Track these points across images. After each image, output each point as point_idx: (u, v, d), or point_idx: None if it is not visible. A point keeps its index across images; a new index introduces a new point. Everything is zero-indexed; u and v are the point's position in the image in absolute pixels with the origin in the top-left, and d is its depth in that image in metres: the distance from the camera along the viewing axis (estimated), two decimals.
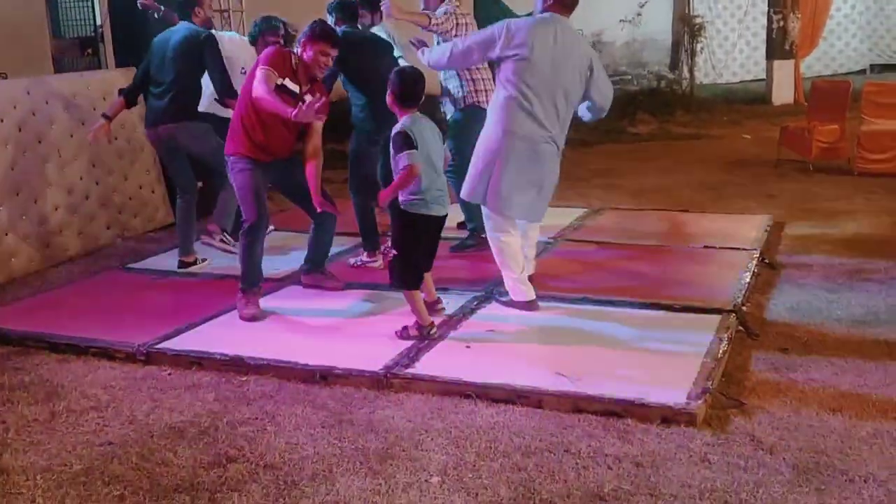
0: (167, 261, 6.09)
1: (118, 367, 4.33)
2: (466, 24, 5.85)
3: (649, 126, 12.04)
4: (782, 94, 13.88)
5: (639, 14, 13.66)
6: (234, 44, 6.23)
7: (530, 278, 4.96)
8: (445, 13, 5.75)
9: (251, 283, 4.94)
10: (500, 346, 4.38)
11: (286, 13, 6.29)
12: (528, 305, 4.82)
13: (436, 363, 4.11)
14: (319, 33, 4.78)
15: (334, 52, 4.83)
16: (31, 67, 8.39)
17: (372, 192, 5.55)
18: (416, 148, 4.26)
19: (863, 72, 16.94)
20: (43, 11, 10.30)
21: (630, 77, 14.78)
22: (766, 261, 5.71)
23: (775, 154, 9.21)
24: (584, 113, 5.01)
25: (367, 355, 4.19)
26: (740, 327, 4.52)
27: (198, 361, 4.28)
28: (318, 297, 5.21)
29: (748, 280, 5.18)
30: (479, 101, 5.80)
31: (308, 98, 4.70)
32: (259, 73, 4.66)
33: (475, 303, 4.96)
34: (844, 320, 4.67)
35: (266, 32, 5.94)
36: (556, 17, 4.66)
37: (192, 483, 3.20)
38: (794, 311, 4.83)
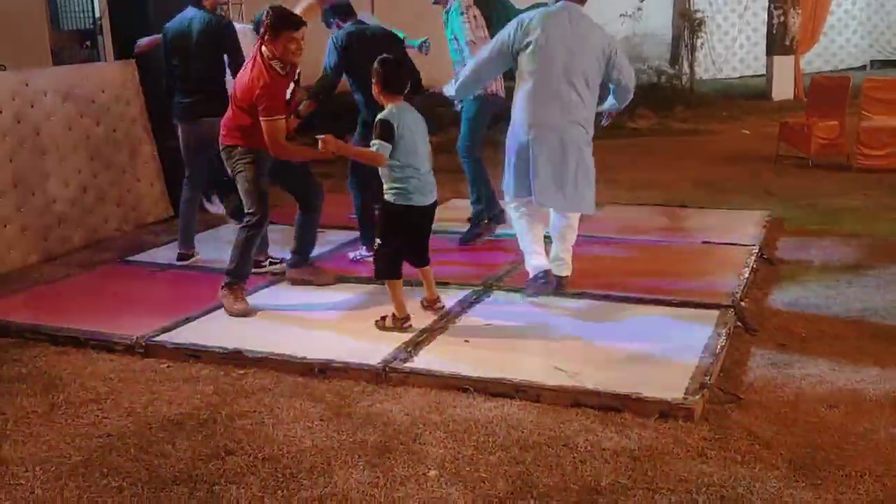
0: (166, 254, 6.10)
1: (117, 359, 4.34)
2: (475, 15, 5.99)
3: (649, 121, 12.04)
4: (782, 89, 13.87)
5: (639, 9, 13.63)
6: (243, 35, 6.18)
7: (562, 281, 4.96)
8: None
9: (241, 276, 4.91)
10: (498, 341, 4.39)
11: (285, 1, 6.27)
12: (546, 278, 4.89)
13: (434, 357, 4.12)
14: (275, 24, 4.62)
15: (300, 34, 4.67)
16: (29, 59, 8.39)
17: (372, 189, 5.57)
18: (392, 139, 4.31)
19: (863, 68, 16.94)
20: (42, 3, 10.28)
21: None
22: (765, 256, 5.72)
23: (775, 150, 9.21)
24: (611, 102, 5.06)
25: (366, 349, 4.20)
26: (738, 323, 4.53)
27: (196, 354, 4.29)
28: (317, 291, 5.21)
29: (747, 276, 5.19)
30: (491, 90, 5.89)
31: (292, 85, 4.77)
32: (265, 126, 4.63)
33: (474, 297, 4.97)
34: (842, 316, 4.68)
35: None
36: (568, 5, 4.74)
37: (191, 475, 3.20)
38: (793, 307, 4.84)
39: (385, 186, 4.46)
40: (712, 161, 9.38)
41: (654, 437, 3.38)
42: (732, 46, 16.69)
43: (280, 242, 5.69)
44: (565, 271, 5.00)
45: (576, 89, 4.67)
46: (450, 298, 4.89)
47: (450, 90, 5.44)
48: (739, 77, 16.43)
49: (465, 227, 6.25)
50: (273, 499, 3.05)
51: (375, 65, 4.43)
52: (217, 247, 6.05)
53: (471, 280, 5.27)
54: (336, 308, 4.91)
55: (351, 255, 5.85)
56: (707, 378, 3.77)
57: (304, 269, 5.30)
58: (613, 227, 6.54)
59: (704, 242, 6.06)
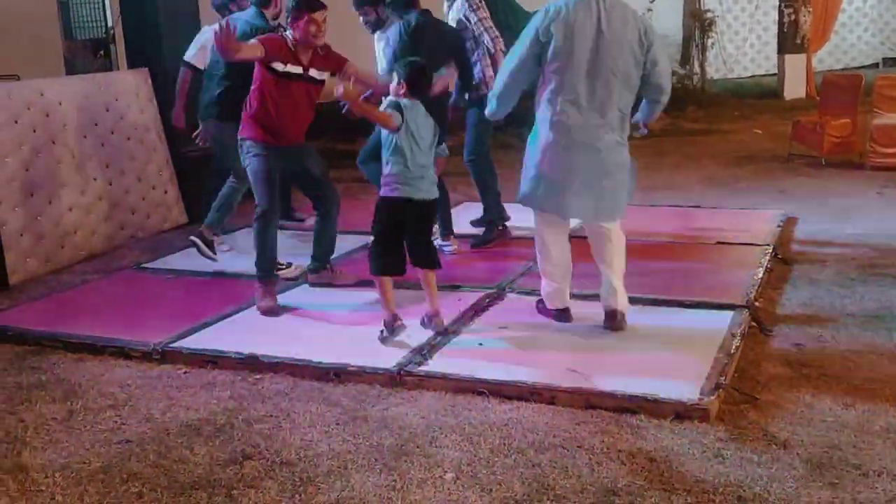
0: (181, 260, 6.13)
1: (134, 366, 4.37)
2: (481, 6, 6.00)
3: (660, 122, 11.93)
4: (794, 88, 13.82)
5: (649, 10, 13.56)
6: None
7: (612, 316, 4.40)
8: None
9: (264, 269, 4.97)
10: (512, 344, 4.40)
11: None
12: (559, 314, 4.55)
13: (449, 361, 4.13)
14: (297, 7, 4.73)
15: (320, 17, 4.75)
16: (43, 69, 8.45)
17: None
18: (403, 119, 4.26)
19: (875, 66, 16.85)
20: (55, 13, 10.38)
21: None
22: (779, 256, 5.70)
23: (787, 149, 9.18)
24: (643, 111, 4.57)
25: (381, 353, 4.22)
26: (753, 323, 4.52)
27: (213, 360, 4.31)
28: (332, 295, 5.23)
29: (761, 276, 5.18)
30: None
31: (313, 73, 4.83)
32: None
33: (487, 300, 4.98)
34: (857, 315, 4.66)
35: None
36: None
37: (209, 480, 3.23)
38: (807, 307, 4.82)
39: (382, 180, 4.40)
40: (725, 161, 9.36)
41: (669, 439, 3.39)
42: (743, 46, 16.64)
43: (287, 247, 5.72)
44: (620, 304, 4.39)
45: (607, 87, 4.18)
46: (463, 301, 4.90)
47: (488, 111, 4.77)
48: (751, 76, 16.38)
49: (474, 230, 6.27)
50: (291, 502, 3.06)
51: (403, 67, 4.41)
52: (233, 253, 6.11)
53: (484, 283, 5.28)
54: (351, 312, 4.93)
55: None
56: (722, 378, 3.77)
57: (323, 273, 5.34)
58: (627, 228, 6.48)
59: (718, 242, 6.05)
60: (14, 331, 4.83)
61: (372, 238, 4.52)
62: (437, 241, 5.68)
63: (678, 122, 12.01)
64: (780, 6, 14.13)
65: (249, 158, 4.94)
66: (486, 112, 4.56)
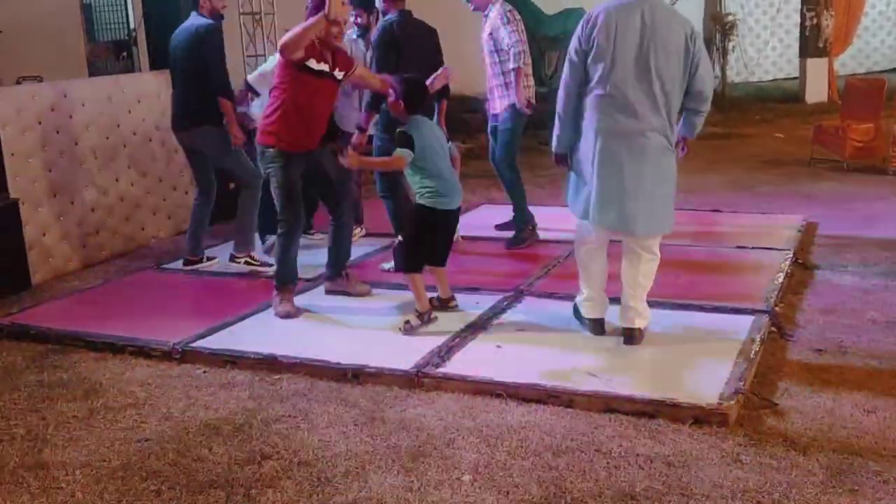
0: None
1: (154, 365, 4.40)
2: (518, 19, 6.01)
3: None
4: (816, 92, 13.72)
5: None
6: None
7: (631, 334, 4.28)
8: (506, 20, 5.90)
9: (284, 281, 4.99)
10: (530, 346, 4.39)
11: None
12: (594, 326, 4.43)
13: (466, 363, 4.13)
14: (322, 6, 4.69)
15: (343, 18, 4.79)
16: (66, 71, 8.54)
17: (400, 195, 5.63)
18: (413, 150, 4.53)
19: None
20: (78, 16, 10.47)
21: None
22: (800, 261, 5.66)
23: (809, 153, 9.12)
24: (683, 126, 4.38)
25: (398, 354, 4.22)
26: (773, 328, 4.49)
27: (232, 360, 4.34)
28: (349, 297, 5.24)
29: (781, 280, 5.15)
30: (526, 97, 5.98)
31: (337, 72, 4.82)
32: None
33: (505, 303, 4.97)
34: (879, 321, 4.62)
35: None
36: None
37: (228, 479, 3.25)
38: (828, 312, 4.79)
39: (418, 192, 4.67)
40: (746, 165, 9.31)
41: (688, 443, 3.37)
42: (765, 49, 16.54)
43: (313, 249, 5.74)
44: (638, 322, 4.29)
45: (652, 93, 4.05)
46: (481, 304, 4.90)
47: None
48: (772, 80, 16.28)
49: (496, 234, 6.30)
50: (308, 503, 3.08)
51: (400, 83, 4.62)
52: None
53: (502, 285, 5.28)
54: (369, 314, 4.94)
55: (385, 265, 5.80)
56: (742, 383, 3.74)
57: (338, 281, 5.28)
58: None
59: (738, 247, 6.01)
60: (36, 329, 4.88)
61: (402, 239, 4.74)
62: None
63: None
64: (801, 9, 14.04)
65: (272, 168, 4.90)
66: (554, 148, 4.35)
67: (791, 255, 5.65)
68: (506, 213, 6.52)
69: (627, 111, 4.07)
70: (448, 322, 4.62)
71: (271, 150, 4.87)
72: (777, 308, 4.75)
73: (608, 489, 3.08)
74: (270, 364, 4.25)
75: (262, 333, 4.67)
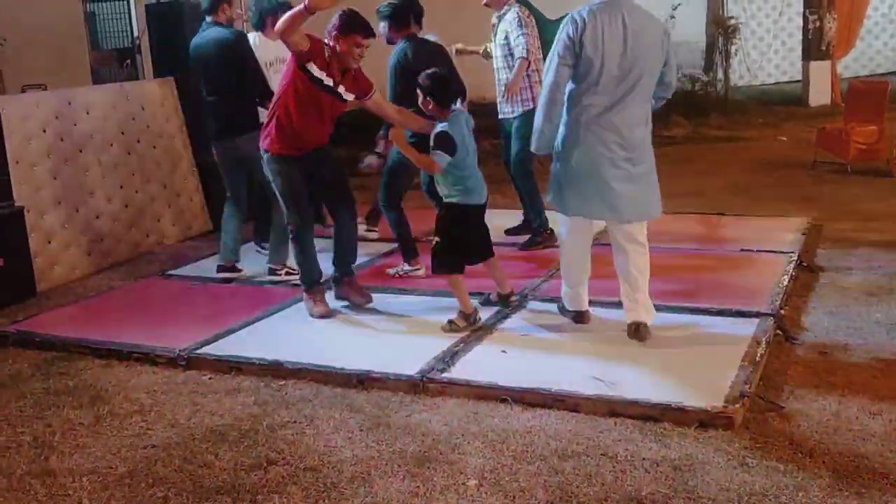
0: (206, 266, 6.17)
1: (160, 371, 4.41)
2: (532, 24, 6.08)
3: (684, 129, 11.95)
4: (819, 95, 13.71)
5: (672, 16, 13.55)
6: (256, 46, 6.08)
7: (636, 328, 4.36)
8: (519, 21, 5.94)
9: (310, 281, 5.02)
10: (535, 351, 4.39)
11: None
12: (576, 316, 4.66)
13: (472, 368, 4.13)
14: (351, 24, 4.69)
15: (367, 42, 4.77)
16: (70, 79, 8.58)
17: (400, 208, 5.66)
18: (455, 151, 4.52)
19: None
20: (81, 24, 10.52)
21: None
22: (805, 264, 5.66)
23: (812, 156, 9.11)
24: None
25: (404, 360, 4.23)
26: (778, 331, 4.49)
27: (237, 366, 4.35)
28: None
29: (786, 283, 5.14)
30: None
31: (342, 90, 4.79)
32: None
33: (510, 307, 4.97)
34: (884, 323, 4.62)
35: (278, 10, 5.44)
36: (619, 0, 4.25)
37: (234, 485, 3.25)
38: (833, 315, 4.78)
39: (446, 191, 4.68)
40: (749, 168, 9.30)
41: (694, 447, 3.37)
42: (767, 52, 16.53)
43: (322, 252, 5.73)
44: (642, 316, 4.38)
45: (637, 86, 4.23)
46: (486, 309, 4.90)
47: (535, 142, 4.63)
48: (775, 83, 16.27)
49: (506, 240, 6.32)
50: None
51: (426, 80, 4.58)
52: (255, 259, 6.14)
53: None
54: (373, 319, 4.95)
55: (391, 271, 5.80)
56: (747, 387, 3.74)
57: (341, 287, 5.23)
58: (650, 235, 6.48)
59: (742, 250, 6.01)
60: (42, 337, 4.89)
61: (439, 242, 4.68)
62: (404, 267, 5.73)
63: (701, 130, 11.96)
64: (804, 12, 14.04)
65: (272, 174, 4.94)
66: (532, 148, 4.56)
67: (796, 258, 5.64)
68: (512, 217, 6.53)
69: (612, 109, 4.25)
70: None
71: (269, 154, 4.92)
72: (782, 311, 4.75)
73: (614, 493, 3.07)
74: (276, 370, 4.25)
75: (266, 339, 4.67)
